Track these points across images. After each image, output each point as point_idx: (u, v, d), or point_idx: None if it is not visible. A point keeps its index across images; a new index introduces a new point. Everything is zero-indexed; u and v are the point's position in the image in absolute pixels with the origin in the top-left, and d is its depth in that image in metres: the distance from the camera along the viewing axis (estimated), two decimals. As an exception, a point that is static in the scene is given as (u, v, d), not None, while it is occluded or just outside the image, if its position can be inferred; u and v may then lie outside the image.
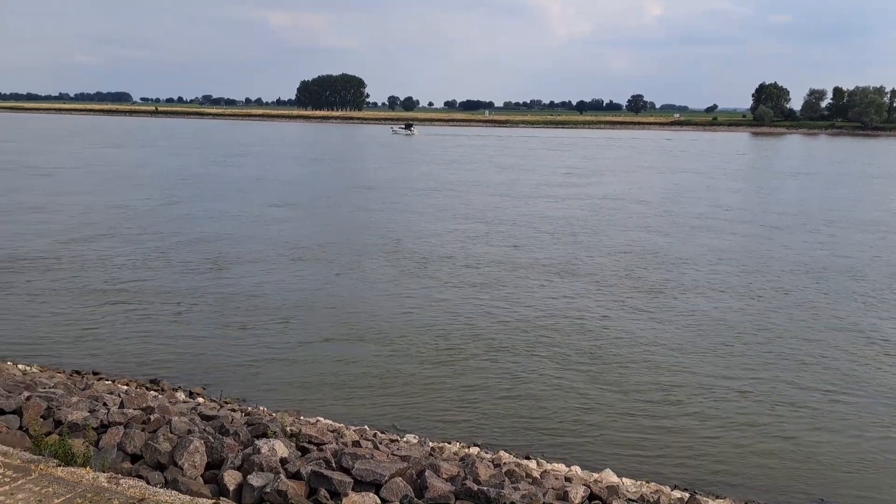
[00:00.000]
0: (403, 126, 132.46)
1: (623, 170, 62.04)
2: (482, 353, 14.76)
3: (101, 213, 31.34)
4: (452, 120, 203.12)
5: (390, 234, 27.83)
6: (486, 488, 6.93)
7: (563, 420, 11.76)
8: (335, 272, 21.46)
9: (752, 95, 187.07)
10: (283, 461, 7.32)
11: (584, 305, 18.43)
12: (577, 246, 26.39)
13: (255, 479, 6.79)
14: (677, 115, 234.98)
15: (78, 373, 13.01)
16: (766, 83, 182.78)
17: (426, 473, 7.21)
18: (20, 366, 12.84)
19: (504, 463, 9.21)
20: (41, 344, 14.67)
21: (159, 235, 26.52)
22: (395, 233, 28.29)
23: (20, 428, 7.82)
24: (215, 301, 18.07)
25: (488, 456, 9.97)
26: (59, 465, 6.25)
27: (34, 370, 12.60)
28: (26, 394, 8.75)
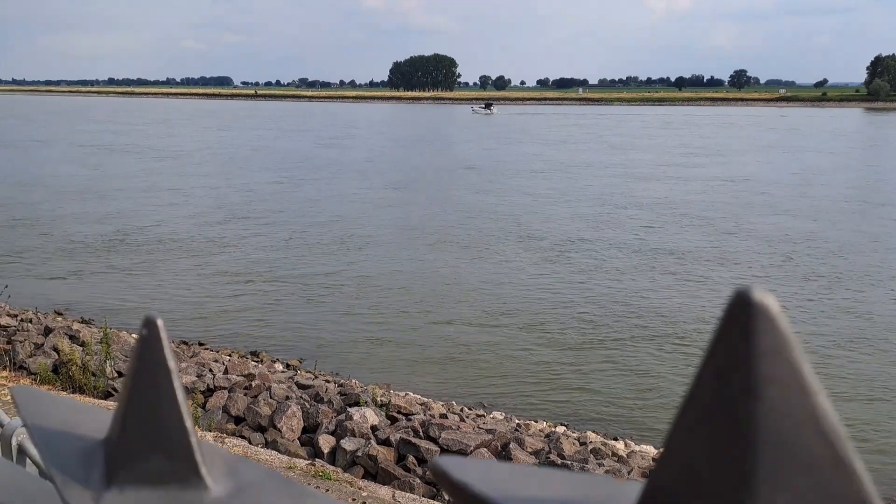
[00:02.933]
0: (483, 105, 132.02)
1: (744, 149, 58.49)
2: (596, 341, 14.32)
3: (229, 196, 32.19)
4: (545, 98, 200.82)
5: (512, 218, 27.06)
6: (569, 462, 7.03)
7: (662, 409, 11.47)
8: (454, 256, 21.21)
9: (867, 69, 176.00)
10: (374, 428, 7.65)
11: (725, 294, 17.48)
12: (715, 231, 24.83)
13: (348, 444, 7.14)
14: (783, 90, 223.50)
15: (185, 343, 13.86)
16: (883, 55, 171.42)
17: (510, 446, 7.38)
18: (134, 335, 13.80)
19: (590, 441, 9.26)
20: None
21: (284, 218, 26.94)
22: (517, 216, 27.45)
23: (136, 389, 8.49)
24: (327, 281, 18.40)
25: (574, 434, 10.03)
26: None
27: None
28: (141, 358, 9.47)
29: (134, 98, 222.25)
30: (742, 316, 0.24)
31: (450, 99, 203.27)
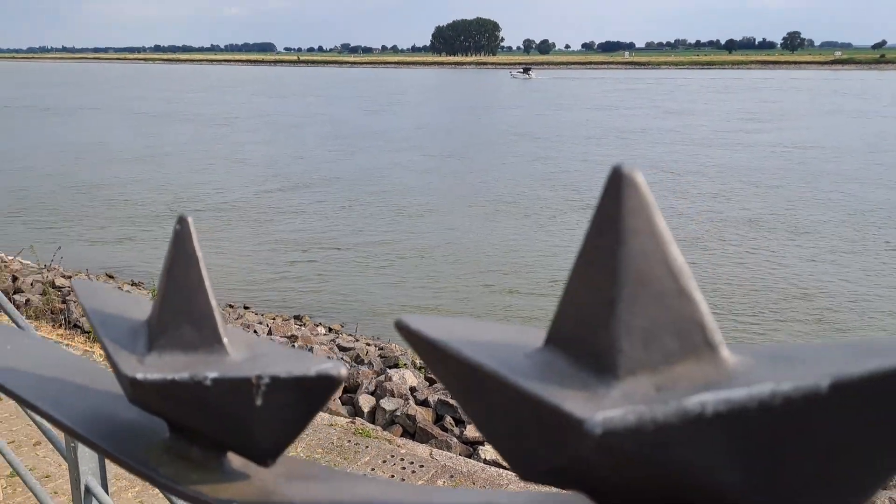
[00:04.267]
0: (521, 70, 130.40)
1: (807, 113, 55.42)
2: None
3: (282, 163, 31.95)
4: (590, 63, 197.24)
5: (569, 185, 26.09)
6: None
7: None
8: (510, 225, 20.58)
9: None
10: (413, 389, 7.82)
11: (807, 269, 16.03)
12: (783, 199, 23.36)
13: (387, 404, 7.32)
14: (839, 52, 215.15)
15: (231, 306, 14.23)
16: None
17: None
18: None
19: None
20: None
21: (338, 185, 26.73)
22: (574, 183, 26.42)
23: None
24: (380, 250, 18.19)
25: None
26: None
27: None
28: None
29: (179, 65, 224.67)
30: (615, 184, 0.30)
31: (493, 64, 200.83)
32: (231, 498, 0.42)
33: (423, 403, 7.55)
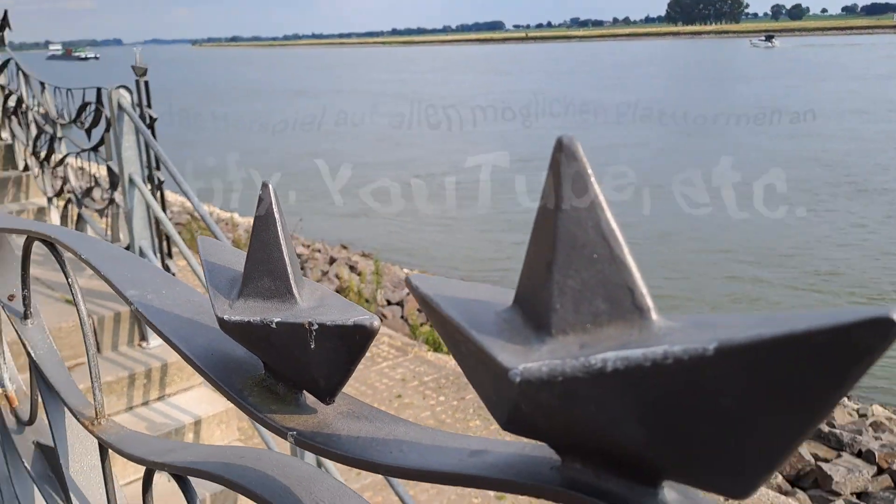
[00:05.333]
0: (763, 38, 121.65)
1: None
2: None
3: (515, 141, 31.85)
4: (851, 28, 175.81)
5: (838, 166, 23.66)
6: (838, 432, 6.33)
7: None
8: (771, 210, 18.73)
9: None
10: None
11: None
12: None
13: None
14: None
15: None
16: None
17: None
18: (404, 269, 14.97)
19: (873, 414, 8.23)
20: (426, 254, 16.54)
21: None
22: (845, 164, 24.08)
23: (401, 317, 9.26)
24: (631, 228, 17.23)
25: (855, 405, 8.99)
26: (429, 351, 7.32)
27: (414, 273, 14.59)
28: (407, 290, 10.28)
29: (413, 47, 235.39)
30: (558, 154, 0.33)
31: (734, 32, 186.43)
32: (294, 427, 0.48)
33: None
